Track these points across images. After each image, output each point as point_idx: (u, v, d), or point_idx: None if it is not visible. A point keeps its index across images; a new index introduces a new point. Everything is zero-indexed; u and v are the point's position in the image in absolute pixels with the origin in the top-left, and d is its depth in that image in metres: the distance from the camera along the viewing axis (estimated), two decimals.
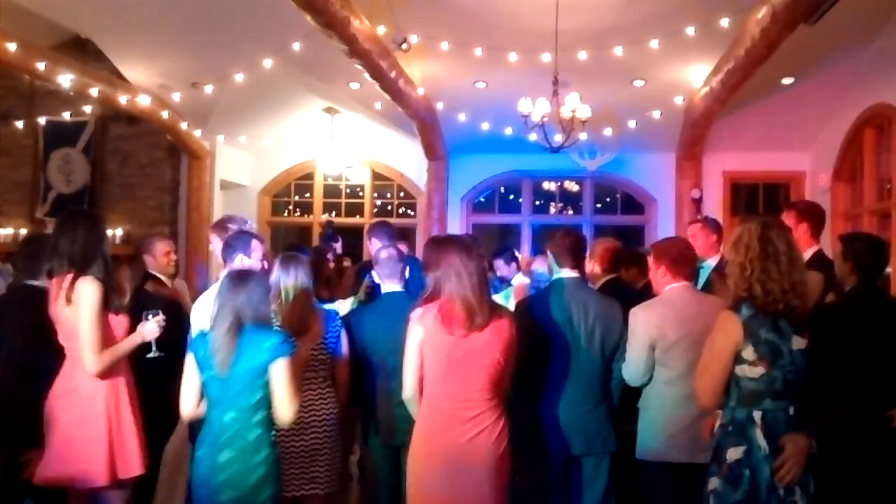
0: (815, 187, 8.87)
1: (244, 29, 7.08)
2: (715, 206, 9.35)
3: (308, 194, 10.95)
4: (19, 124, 9.65)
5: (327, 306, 3.78)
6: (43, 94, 9.49)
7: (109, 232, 6.56)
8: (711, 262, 4.36)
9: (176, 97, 8.27)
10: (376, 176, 10.77)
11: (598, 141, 8.77)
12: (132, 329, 3.28)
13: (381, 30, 6.63)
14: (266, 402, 2.78)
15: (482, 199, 10.61)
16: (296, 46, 6.91)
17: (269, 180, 10.80)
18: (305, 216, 11.03)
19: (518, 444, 3.01)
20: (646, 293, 3.85)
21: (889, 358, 3.10)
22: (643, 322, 3.26)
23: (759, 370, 2.48)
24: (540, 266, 4.74)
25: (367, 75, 6.87)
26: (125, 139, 9.87)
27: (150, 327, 3.28)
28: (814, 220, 4.02)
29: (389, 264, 3.69)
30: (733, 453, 2.52)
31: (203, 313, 3.26)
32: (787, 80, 7.74)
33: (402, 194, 10.84)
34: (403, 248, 4.63)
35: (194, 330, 3.23)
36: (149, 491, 3.91)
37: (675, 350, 3.20)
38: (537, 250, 9.07)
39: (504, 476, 2.88)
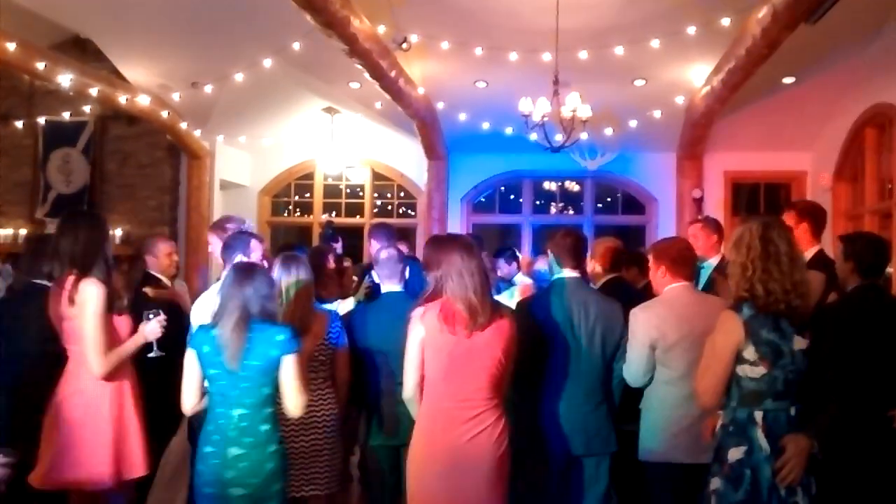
0: (817, 187, 8.85)
1: (244, 29, 7.07)
2: (716, 205, 9.33)
3: (308, 194, 10.93)
4: (19, 124, 9.64)
5: (327, 306, 3.78)
6: (43, 93, 9.47)
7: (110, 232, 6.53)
8: (712, 262, 4.35)
9: (176, 97, 8.25)
10: (376, 176, 10.75)
11: (598, 141, 8.75)
12: (134, 329, 3.28)
13: (381, 29, 6.62)
14: (274, 398, 2.78)
15: (482, 199, 10.59)
16: (296, 46, 6.89)
17: (269, 180, 10.78)
18: (305, 216, 11.01)
19: (518, 445, 3.00)
20: (647, 293, 3.84)
21: (891, 358, 3.09)
22: (643, 323, 3.26)
23: (760, 370, 2.48)
24: (543, 266, 4.73)
25: (367, 75, 6.85)
26: (125, 139, 9.84)
27: (152, 327, 3.28)
28: (815, 219, 4.02)
29: (389, 264, 3.70)
30: (735, 453, 2.51)
31: (204, 311, 3.26)
32: (788, 80, 7.72)
33: (402, 194, 10.82)
34: (403, 248, 4.63)
35: (194, 327, 3.22)
36: (149, 491, 3.90)
37: (675, 350, 3.20)
38: (538, 250, 9.05)
39: (504, 476, 2.87)
